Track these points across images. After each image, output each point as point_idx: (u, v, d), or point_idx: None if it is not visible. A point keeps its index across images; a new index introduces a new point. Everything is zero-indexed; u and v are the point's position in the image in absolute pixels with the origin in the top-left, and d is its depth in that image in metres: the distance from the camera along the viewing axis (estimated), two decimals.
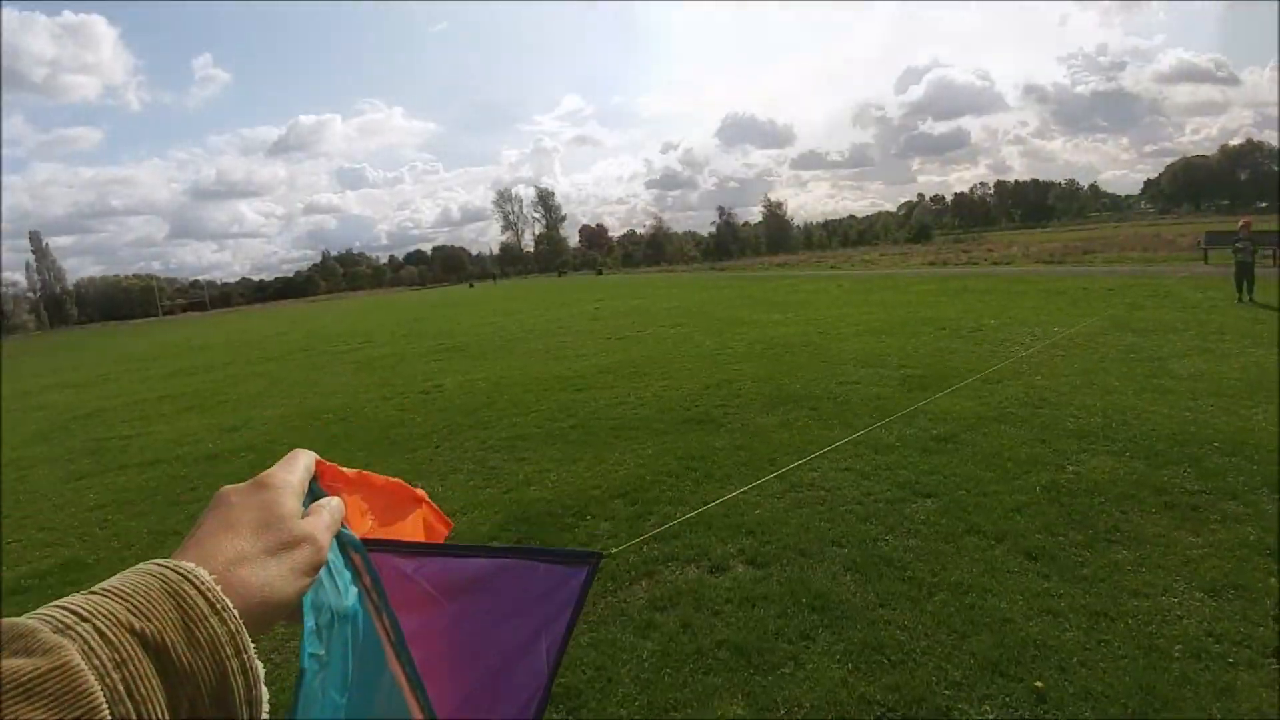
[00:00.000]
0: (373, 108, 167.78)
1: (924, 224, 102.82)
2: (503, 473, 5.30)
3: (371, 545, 0.57)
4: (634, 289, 34.06)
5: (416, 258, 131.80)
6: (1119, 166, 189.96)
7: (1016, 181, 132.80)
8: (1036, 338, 9.05)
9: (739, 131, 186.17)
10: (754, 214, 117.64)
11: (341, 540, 0.53)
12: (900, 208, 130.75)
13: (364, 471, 0.60)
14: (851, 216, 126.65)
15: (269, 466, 0.48)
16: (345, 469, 0.58)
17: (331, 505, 0.50)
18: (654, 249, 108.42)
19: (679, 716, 2.43)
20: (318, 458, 0.54)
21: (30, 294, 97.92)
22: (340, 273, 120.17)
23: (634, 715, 2.46)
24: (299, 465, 0.50)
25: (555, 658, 0.61)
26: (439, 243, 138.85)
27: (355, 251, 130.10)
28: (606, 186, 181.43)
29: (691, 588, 3.23)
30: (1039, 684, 2.41)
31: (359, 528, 0.58)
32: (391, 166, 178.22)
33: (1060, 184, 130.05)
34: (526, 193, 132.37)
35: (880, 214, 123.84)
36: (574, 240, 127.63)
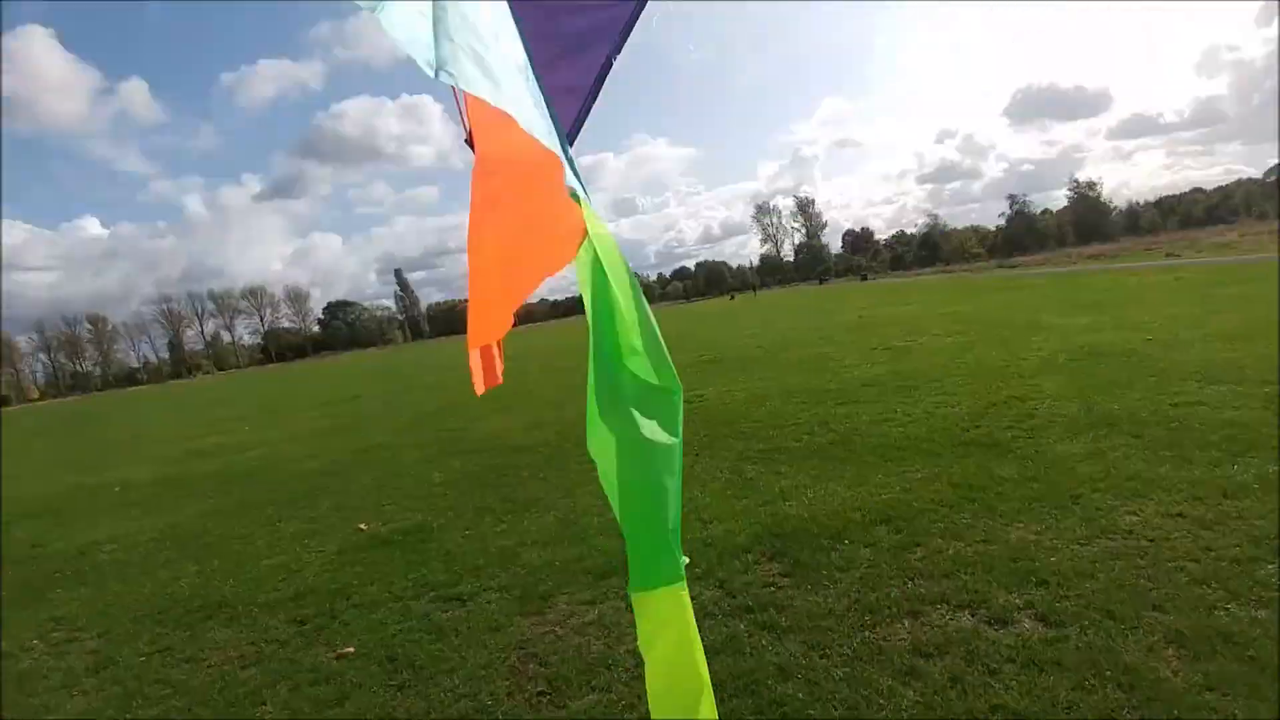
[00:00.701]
0: (640, 141, 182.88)
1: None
2: (759, 484, 5.35)
3: None
4: (903, 293, 31.52)
5: (682, 273, 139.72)
6: None
7: None
8: None
9: (1035, 105, 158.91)
10: (1057, 199, 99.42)
11: None
12: (1269, 173, 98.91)
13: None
14: (1197, 190, 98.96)
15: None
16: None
17: None
18: (928, 249, 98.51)
19: None
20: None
21: (398, 316, 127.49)
22: None
23: None
24: None
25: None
26: (701, 258, 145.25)
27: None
28: (871, 187, 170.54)
29: (964, 637, 2.90)
30: None
31: None
32: (658, 192, 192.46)
33: None
34: (785, 203, 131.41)
35: (1240, 183, 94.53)
36: (835, 246, 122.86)
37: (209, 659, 3.74)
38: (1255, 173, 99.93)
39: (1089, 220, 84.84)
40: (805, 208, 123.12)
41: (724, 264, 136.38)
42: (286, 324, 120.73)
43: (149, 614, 4.60)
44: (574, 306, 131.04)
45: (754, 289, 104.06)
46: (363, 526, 5.85)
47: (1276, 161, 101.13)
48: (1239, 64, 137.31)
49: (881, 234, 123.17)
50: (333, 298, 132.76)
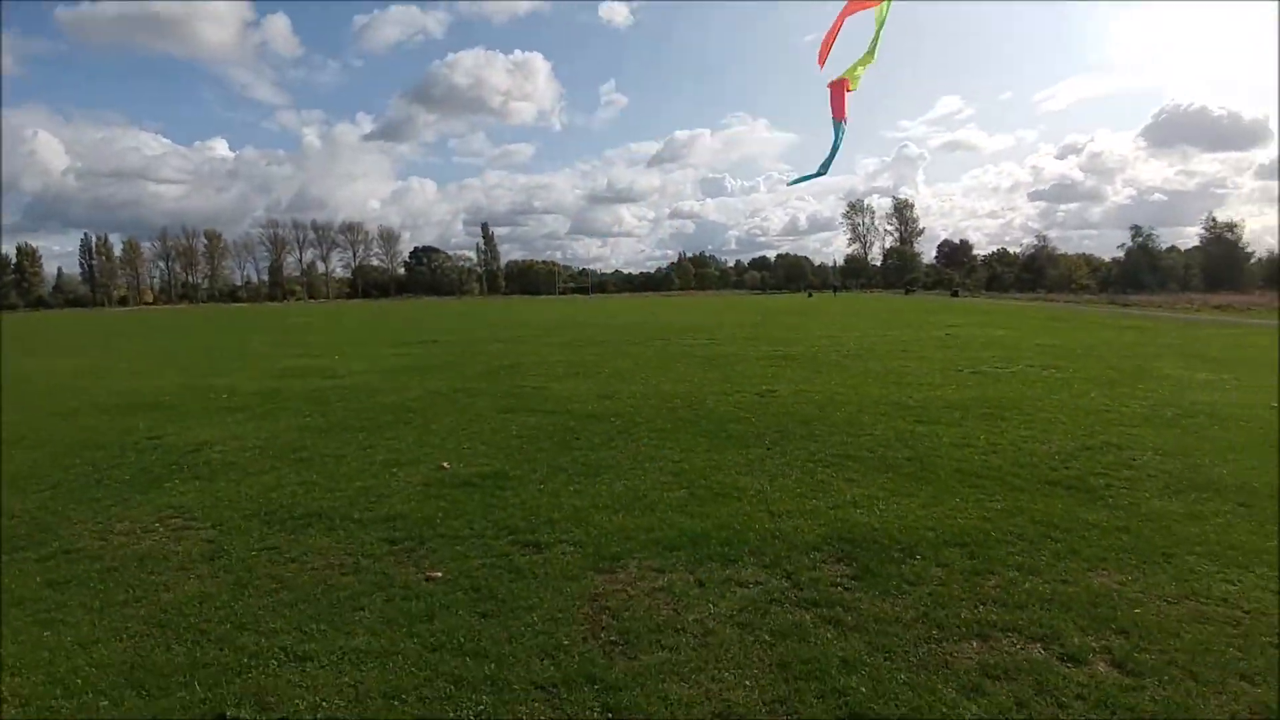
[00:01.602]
0: (739, 120, 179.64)
1: None
2: (830, 488, 5.38)
3: None
4: (999, 317, 30.00)
5: (761, 263, 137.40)
6: None
7: None
8: None
9: (1178, 129, 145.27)
10: (1188, 238, 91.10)
11: None
12: None
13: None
14: None
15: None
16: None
17: None
18: (1031, 272, 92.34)
19: None
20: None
21: (478, 268, 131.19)
22: (692, 272, 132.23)
23: None
24: None
25: None
26: (783, 250, 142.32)
27: (707, 254, 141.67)
28: (977, 198, 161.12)
29: (1034, 668, 2.90)
30: None
31: None
32: (749, 176, 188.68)
33: None
34: (881, 203, 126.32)
35: None
36: (929, 256, 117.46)
37: (311, 562, 4.15)
38: None
39: (1222, 265, 76.75)
40: (902, 210, 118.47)
41: (806, 259, 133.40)
42: (376, 262, 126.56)
43: (256, 513, 5.08)
44: (646, 281, 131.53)
45: (835, 289, 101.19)
46: (445, 465, 6.24)
47: None
48: None
49: (981, 249, 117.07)
50: (421, 242, 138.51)
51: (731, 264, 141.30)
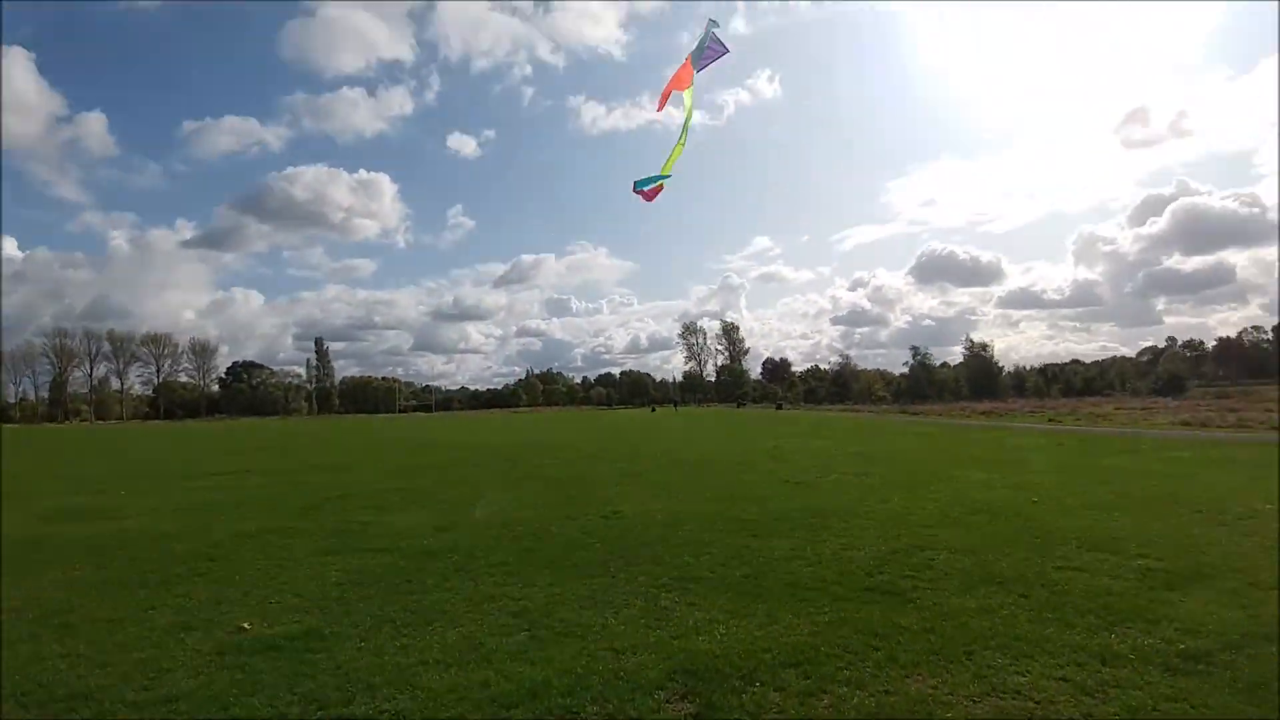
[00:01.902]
0: (582, 248, 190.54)
1: (1175, 374, 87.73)
2: (673, 615, 5.35)
3: None
4: (815, 427, 33.04)
5: (606, 380, 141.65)
6: None
7: None
8: None
9: (936, 269, 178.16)
10: (954, 354, 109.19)
11: None
12: (1142, 353, 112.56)
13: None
14: (1076, 361, 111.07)
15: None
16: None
17: None
18: (839, 386, 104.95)
19: None
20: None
21: (308, 385, 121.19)
22: (540, 389, 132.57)
23: None
24: None
25: None
26: (627, 367, 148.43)
27: (554, 371, 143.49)
28: (790, 322, 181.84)
29: None
30: None
31: None
32: (593, 299, 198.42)
33: None
34: (711, 325, 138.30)
35: (1115, 359, 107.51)
36: (755, 372, 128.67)
37: None
38: (1130, 352, 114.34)
39: (981, 377, 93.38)
40: (730, 332, 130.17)
41: (648, 375, 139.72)
42: (185, 378, 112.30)
43: (11, 694, 4.11)
44: (493, 398, 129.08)
45: (675, 404, 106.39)
46: (245, 626, 5.35)
47: (1149, 345, 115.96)
48: (1113, 256, 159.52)
49: (798, 365, 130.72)
50: (242, 357, 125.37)
51: (579, 380, 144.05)
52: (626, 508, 10.29)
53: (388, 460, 20.80)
